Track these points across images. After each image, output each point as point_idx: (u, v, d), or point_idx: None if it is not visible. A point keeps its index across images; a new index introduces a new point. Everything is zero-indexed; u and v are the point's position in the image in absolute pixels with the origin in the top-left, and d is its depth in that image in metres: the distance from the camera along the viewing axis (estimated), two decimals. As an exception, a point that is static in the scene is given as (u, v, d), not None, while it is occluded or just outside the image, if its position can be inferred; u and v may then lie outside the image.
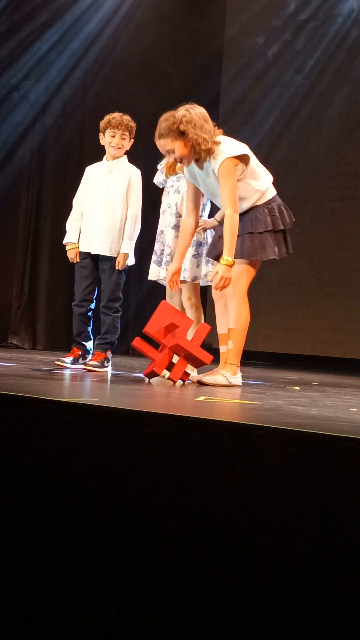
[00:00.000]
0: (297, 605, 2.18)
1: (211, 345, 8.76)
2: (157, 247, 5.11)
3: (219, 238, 4.62)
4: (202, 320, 5.05)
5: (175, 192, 5.01)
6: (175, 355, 4.50)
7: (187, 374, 4.55)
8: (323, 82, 8.64)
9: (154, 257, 5.14)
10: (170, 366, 4.49)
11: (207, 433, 2.50)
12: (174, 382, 4.45)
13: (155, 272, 5.13)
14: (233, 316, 4.55)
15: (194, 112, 4.43)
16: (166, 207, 5.06)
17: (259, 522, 2.28)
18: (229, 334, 4.58)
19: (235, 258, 4.47)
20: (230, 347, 4.56)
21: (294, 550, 2.22)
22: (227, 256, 4.38)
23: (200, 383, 4.45)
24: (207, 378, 4.47)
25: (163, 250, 5.07)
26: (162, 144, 4.46)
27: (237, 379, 4.53)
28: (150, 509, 2.48)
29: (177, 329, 4.44)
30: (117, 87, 8.33)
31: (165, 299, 5.18)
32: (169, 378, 4.51)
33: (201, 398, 3.62)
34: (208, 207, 5.06)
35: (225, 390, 4.23)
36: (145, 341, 4.58)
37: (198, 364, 4.51)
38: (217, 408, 3.34)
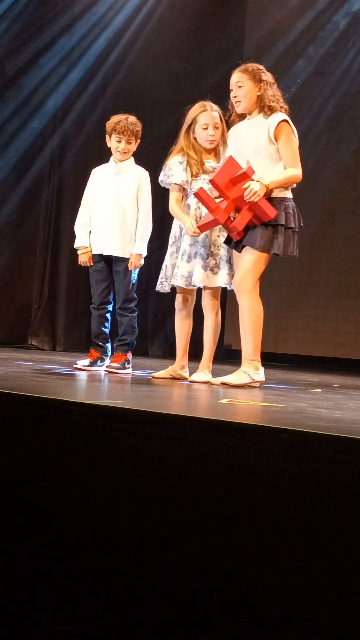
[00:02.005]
0: (318, 620, 2.17)
1: (231, 347, 8.79)
2: (202, 251, 4.85)
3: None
4: (220, 321, 5.02)
5: None
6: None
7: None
8: (343, 87, 8.61)
9: (199, 262, 4.84)
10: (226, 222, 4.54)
11: (231, 436, 2.49)
12: (238, 233, 4.49)
13: (203, 277, 4.86)
14: (245, 312, 4.52)
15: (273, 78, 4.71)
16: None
17: (285, 525, 2.27)
18: (244, 330, 4.55)
19: (244, 246, 4.52)
20: (248, 344, 4.53)
21: (318, 554, 2.21)
22: (268, 182, 4.44)
23: (224, 385, 4.43)
24: (230, 379, 4.45)
25: (209, 253, 4.85)
26: (237, 77, 4.64)
27: (260, 375, 4.51)
28: (174, 511, 2.47)
29: (246, 179, 4.43)
30: (136, 92, 8.32)
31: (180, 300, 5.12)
32: (231, 226, 4.50)
33: (224, 400, 3.61)
34: None
35: (248, 392, 4.22)
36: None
37: (263, 216, 4.47)
38: (240, 410, 3.33)
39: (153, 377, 4.95)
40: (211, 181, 4.52)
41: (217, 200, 4.58)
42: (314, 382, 5.72)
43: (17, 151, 7.65)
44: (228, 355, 8.39)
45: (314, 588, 2.19)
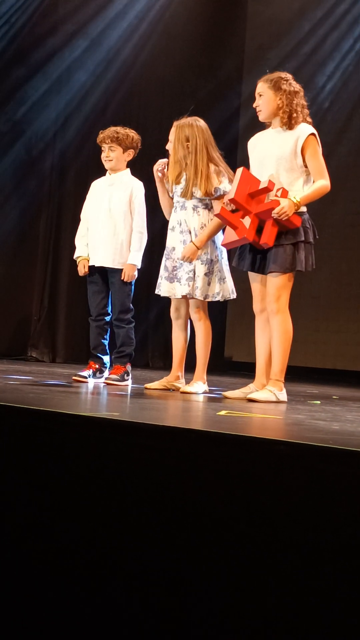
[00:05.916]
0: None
1: (231, 358, 8.78)
2: (168, 263, 5.01)
3: (247, 252, 4.62)
4: (210, 332, 5.03)
5: (182, 209, 4.96)
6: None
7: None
8: (343, 95, 8.63)
9: (164, 274, 5.03)
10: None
11: (229, 448, 2.49)
12: (269, 247, 4.48)
13: (169, 289, 5.02)
14: (277, 332, 4.53)
15: (298, 88, 4.63)
16: (175, 224, 5.00)
17: (282, 537, 2.27)
18: (272, 350, 4.56)
19: (271, 272, 4.52)
20: (275, 364, 4.54)
21: (315, 566, 2.21)
22: (299, 198, 4.47)
23: (250, 400, 4.43)
24: (257, 395, 4.44)
25: (175, 266, 4.98)
26: (259, 86, 4.63)
27: (284, 395, 4.53)
28: (171, 523, 2.47)
29: (265, 193, 4.47)
30: (137, 103, 8.34)
31: (170, 312, 5.14)
32: (262, 244, 4.49)
33: (222, 412, 3.61)
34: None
35: (248, 405, 4.22)
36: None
37: (289, 226, 4.49)
38: (238, 423, 3.33)
39: (146, 388, 4.96)
40: (232, 200, 4.51)
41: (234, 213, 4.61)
42: (314, 394, 5.73)
43: (18, 164, 7.67)
44: (229, 367, 8.40)
45: (312, 598, 2.19)
